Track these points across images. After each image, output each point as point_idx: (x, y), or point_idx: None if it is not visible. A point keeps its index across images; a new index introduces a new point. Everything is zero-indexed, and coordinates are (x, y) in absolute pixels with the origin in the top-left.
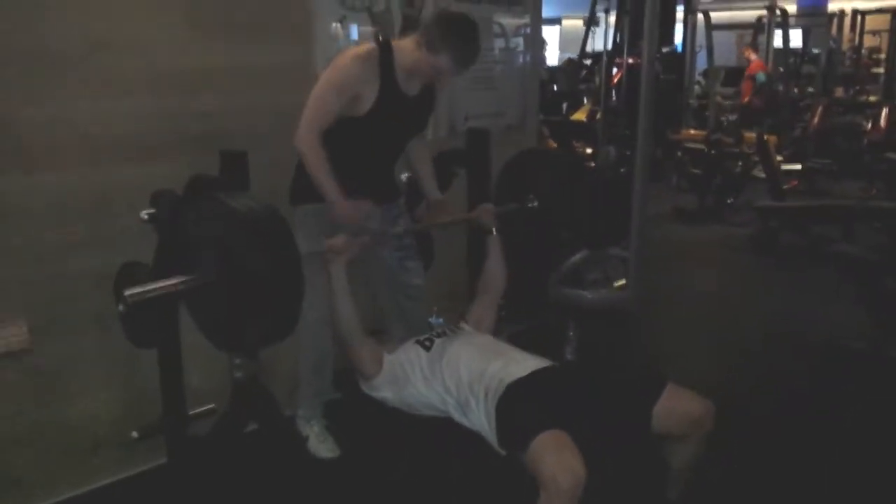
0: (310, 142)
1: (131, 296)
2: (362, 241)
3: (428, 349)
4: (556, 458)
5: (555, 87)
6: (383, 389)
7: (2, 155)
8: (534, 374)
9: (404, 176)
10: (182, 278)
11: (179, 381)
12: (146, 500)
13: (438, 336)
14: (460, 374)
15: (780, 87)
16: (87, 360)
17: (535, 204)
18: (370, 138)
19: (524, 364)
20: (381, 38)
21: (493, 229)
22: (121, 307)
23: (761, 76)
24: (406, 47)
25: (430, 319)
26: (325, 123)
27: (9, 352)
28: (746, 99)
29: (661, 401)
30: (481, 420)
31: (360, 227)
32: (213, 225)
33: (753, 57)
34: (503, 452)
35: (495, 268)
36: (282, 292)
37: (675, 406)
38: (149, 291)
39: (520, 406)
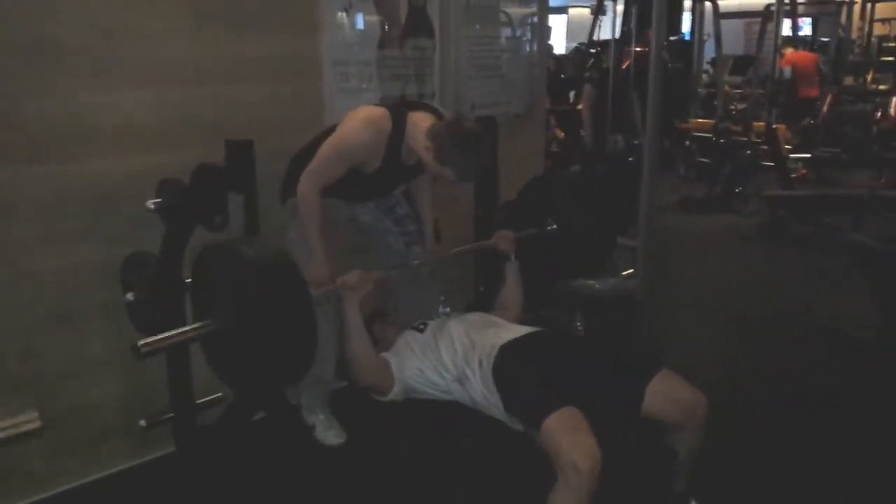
0: (311, 198)
1: (145, 345)
2: (377, 277)
3: (422, 331)
4: (572, 441)
5: (562, 76)
6: (393, 395)
7: (8, 146)
8: (526, 336)
9: None
10: (195, 325)
11: (187, 369)
12: (155, 489)
13: (432, 320)
14: (455, 347)
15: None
16: (94, 349)
17: (554, 227)
18: (368, 183)
19: (516, 330)
20: (395, 110)
21: (512, 256)
22: (128, 296)
23: (786, 71)
24: (419, 127)
25: (438, 309)
26: (328, 183)
27: (19, 434)
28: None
29: (654, 381)
30: (480, 391)
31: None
32: (227, 272)
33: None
34: (501, 416)
35: (513, 294)
36: (294, 338)
37: (668, 389)
38: (162, 340)
39: (518, 370)
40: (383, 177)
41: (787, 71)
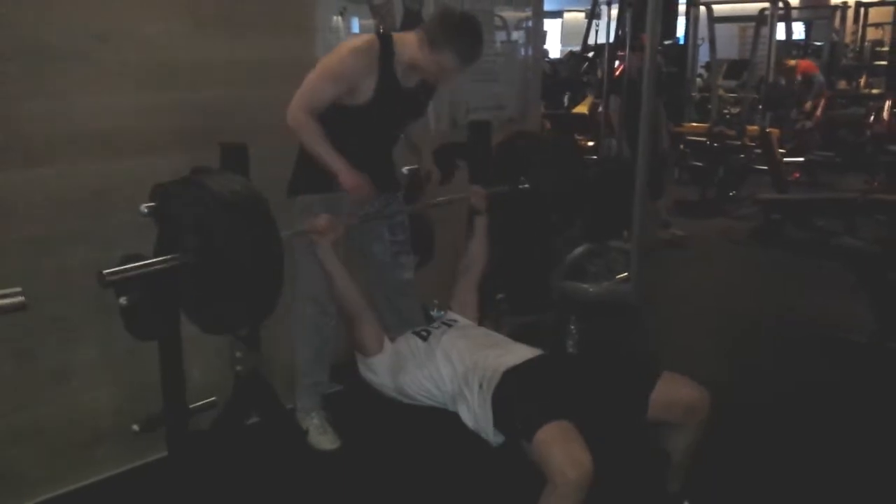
0: (302, 118)
1: (110, 274)
2: (346, 221)
3: (424, 339)
4: (563, 450)
5: (557, 80)
6: (382, 374)
7: (4, 149)
8: (529, 362)
9: (405, 169)
10: (161, 258)
11: (180, 373)
12: (147, 493)
13: (435, 328)
14: (454, 364)
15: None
16: (88, 353)
17: (526, 186)
18: (367, 126)
19: (519, 353)
20: (381, 32)
21: (482, 211)
22: (122, 300)
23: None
24: (407, 42)
25: (431, 312)
26: (315, 107)
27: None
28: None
29: (658, 387)
30: (473, 411)
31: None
32: (193, 206)
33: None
34: (494, 443)
35: (478, 248)
36: (261, 272)
37: (672, 393)
38: (128, 270)
39: (518, 393)
40: (382, 108)
41: (819, 76)
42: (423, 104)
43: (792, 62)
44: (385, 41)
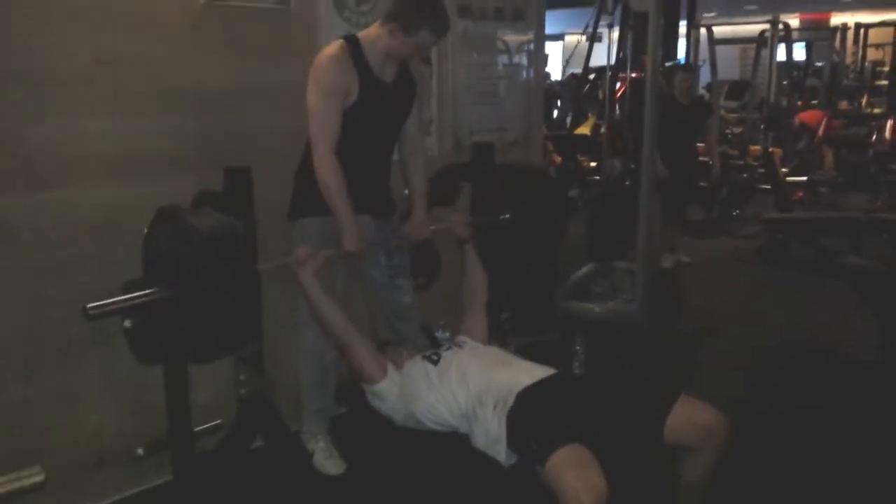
0: (331, 167)
1: (93, 308)
2: (326, 254)
3: (435, 363)
4: (578, 475)
5: (559, 103)
6: (390, 401)
7: (10, 173)
8: (543, 382)
9: (407, 191)
10: (144, 292)
11: (185, 397)
12: None
13: (445, 350)
14: (468, 385)
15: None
16: (93, 377)
17: (507, 216)
18: (358, 133)
19: (532, 372)
20: (344, 35)
21: (468, 239)
22: (126, 323)
23: None
24: (373, 36)
25: (436, 333)
26: (335, 135)
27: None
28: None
29: (675, 411)
30: (487, 430)
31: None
32: (174, 241)
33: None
34: (506, 463)
35: (475, 276)
36: (237, 306)
37: (688, 416)
38: (110, 304)
39: (533, 415)
40: (370, 106)
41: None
42: (408, 100)
43: (797, 119)
44: (351, 41)
